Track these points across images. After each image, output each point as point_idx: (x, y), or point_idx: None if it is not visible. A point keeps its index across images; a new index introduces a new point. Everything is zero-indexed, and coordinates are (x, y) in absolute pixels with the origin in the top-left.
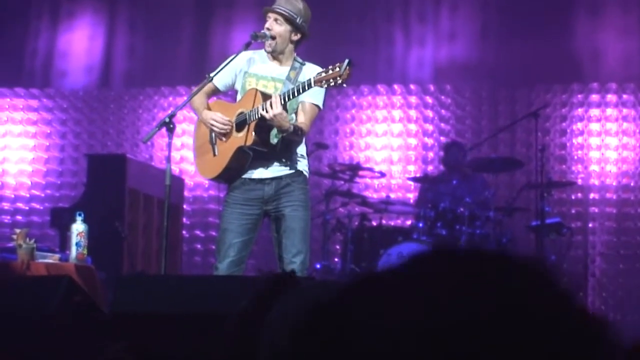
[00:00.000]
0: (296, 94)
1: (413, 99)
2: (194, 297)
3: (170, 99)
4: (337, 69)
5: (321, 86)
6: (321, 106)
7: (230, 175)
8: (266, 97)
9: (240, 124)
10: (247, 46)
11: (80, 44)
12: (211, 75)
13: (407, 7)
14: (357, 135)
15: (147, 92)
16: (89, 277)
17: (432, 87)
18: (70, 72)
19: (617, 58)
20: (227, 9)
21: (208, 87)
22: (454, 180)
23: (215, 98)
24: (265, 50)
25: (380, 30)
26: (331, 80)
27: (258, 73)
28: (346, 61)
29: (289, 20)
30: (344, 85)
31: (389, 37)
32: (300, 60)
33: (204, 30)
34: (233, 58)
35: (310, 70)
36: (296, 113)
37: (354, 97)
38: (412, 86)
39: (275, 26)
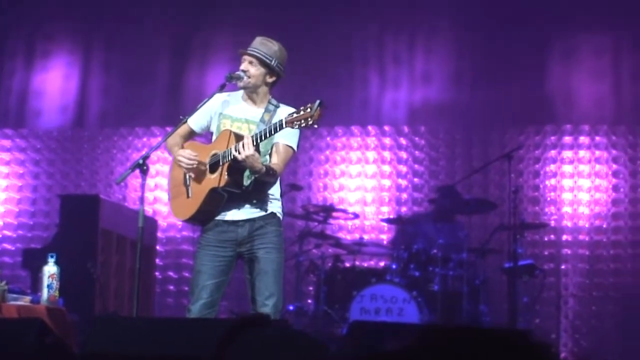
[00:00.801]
0: (268, 135)
1: (387, 141)
2: (165, 339)
3: (145, 139)
4: (309, 109)
5: (292, 127)
6: (295, 148)
7: (204, 217)
8: (239, 138)
9: (214, 165)
10: (222, 88)
11: (55, 83)
12: (186, 117)
13: (382, 49)
14: (330, 176)
15: (121, 132)
16: (61, 319)
17: (406, 129)
18: (45, 111)
19: (590, 100)
20: (202, 50)
21: (183, 129)
22: (439, 223)
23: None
24: (239, 87)
25: (356, 71)
26: (302, 121)
27: (232, 115)
28: (317, 102)
29: (263, 62)
30: (315, 126)
31: (364, 78)
32: (275, 102)
33: (179, 71)
34: (208, 100)
35: (284, 112)
36: (270, 155)
37: (328, 139)
38: (386, 127)
39: (251, 68)
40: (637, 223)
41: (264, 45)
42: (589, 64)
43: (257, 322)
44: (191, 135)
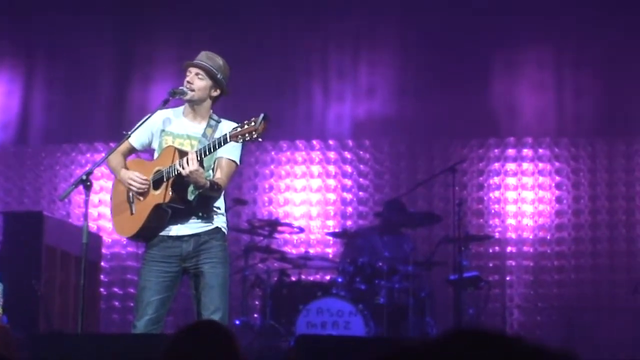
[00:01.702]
0: (212, 150)
1: (332, 155)
2: (110, 355)
3: (88, 155)
4: (253, 123)
5: (237, 141)
6: (238, 162)
7: (148, 233)
8: (183, 154)
9: (158, 182)
10: (165, 103)
11: None
12: (128, 133)
13: (326, 63)
14: (275, 190)
15: (65, 148)
16: (4, 337)
17: (350, 143)
18: None
19: (533, 113)
20: (145, 66)
21: (124, 147)
22: (385, 236)
23: (134, 156)
24: (184, 100)
25: (300, 85)
26: (247, 135)
27: (174, 131)
28: (261, 115)
29: (210, 74)
30: (260, 139)
31: (307, 92)
32: (216, 118)
33: (122, 87)
34: (149, 117)
35: (227, 127)
36: (213, 169)
37: (272, 153)
38: (330, 142)
39: (197, 80)
40: (581, 234)
41: (210, 59)
42: (531, 78)
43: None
44: (132, 152)
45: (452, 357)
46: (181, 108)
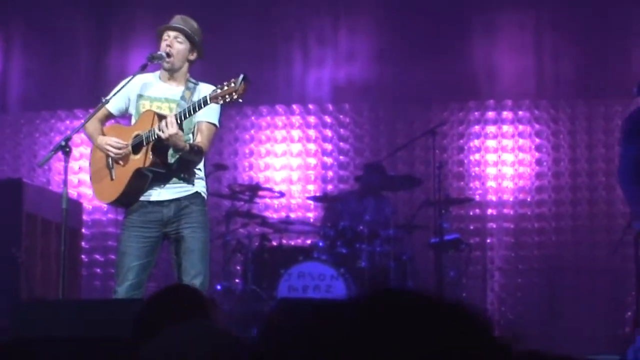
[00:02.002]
0: (192, 112)
1: (312, 119)
2: (92, 321)
3: (68, 122)
4: (232, 84)
5: (217, 103)
6: (217, 124)
7: (129, 198)
8: (162, 118)
9: (137, 146)
10: (144, 68)
11: None
12: (105, 99)
13: (305, 28)
14: (256, 155)
15: (44, 115)
16: None
17: (330, 107)
18: None
19: (512, 75)
20: (123, 32)
21: (101, 113)
22: (365, 200)
23: (112, 122)
24: (164, 69)
25: (279, 50)
26: (227, 97)
27: (152, 95)
28: (241, 76)
29: (188, 37)
30: (240, 100)
31: (287, 57)
32: (194, 81)
33: (101, 53)
34: (126, 83)
35: (205, 89)
36: (193, 133)
37: (252, 118)
38: (310, 106)
39: (176, 44)
40: (561, 196)
41: (186, 22)
42: (510, 40)
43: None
44: (109, 118)
45: (368, 320)
46: (158, 73)
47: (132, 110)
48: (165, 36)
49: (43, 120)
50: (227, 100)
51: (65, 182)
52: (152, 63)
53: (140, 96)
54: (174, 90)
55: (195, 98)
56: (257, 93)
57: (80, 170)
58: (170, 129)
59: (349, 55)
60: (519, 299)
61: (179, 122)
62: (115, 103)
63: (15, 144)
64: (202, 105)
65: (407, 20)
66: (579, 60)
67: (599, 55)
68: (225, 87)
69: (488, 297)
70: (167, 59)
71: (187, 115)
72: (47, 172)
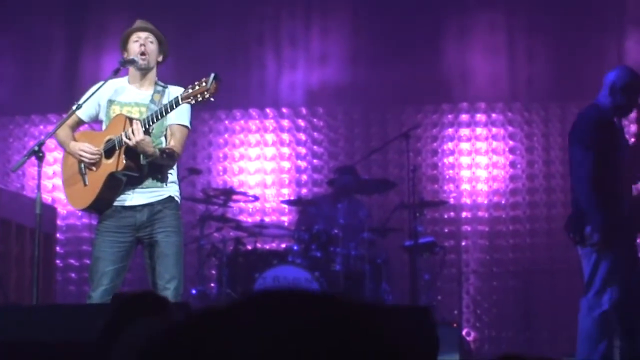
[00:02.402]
0: (163, 114)
1: (285, 123)
2: (66, 326)
3: (41, 127)
4: (204, 83)
5: (189, 103)
6: (189, 126)
7: (103, 203)
8: (133, 122)
9: (110, 151)
10: (117, 72)
11: None
12: (77, 103)
13: (277, 30)
14: (230, 159)
15: (17, 120)
16: None
17: (304, 110)
18: None
19: (486, 78)
20: (97, 35)
21: (72, 120)
22: (339, 204)
23: (81, 129)
24: (140, 68)
25: (252, 54)
26: (199, 96)
27: (122, 100)
28: (212, 75)
29: (158, 38)
30: (212, 99)
31: (260, 61)
32: (162, 84)
33: (74, 57)
34: (99, 87)
35: (175, 91)
36: (165, 137)
37: (226, 122)
38: (284, 110)
39: (149, 45)
40: (535, 198)
41: (151, 25)
42: (484, 41)
43: (148, 301)
44: (80, 124)
45: (243, 323)
46: (126, 77)
47: (102, 116)
48: (135, 37)
49: (16, 125)
50: (199, 99)
51: (38, 187)
52: (124, 67)
53: (110, 101)
54: (143, 94)
55: (165, 100)
56: (231, 97)
57: (54, 175)
58: (136, 135)
59: (322, 58)
60: (494, 301)
61: (146, 127)
62: (85, 109)
63: None
64: (174, 106)
65: (380, 22)
66: (552, 62)
67: (572, 56)
68: (197, 87)
69: (463, 300)
70: (143, 57)
71: (158, 118)
72: (21, 178)
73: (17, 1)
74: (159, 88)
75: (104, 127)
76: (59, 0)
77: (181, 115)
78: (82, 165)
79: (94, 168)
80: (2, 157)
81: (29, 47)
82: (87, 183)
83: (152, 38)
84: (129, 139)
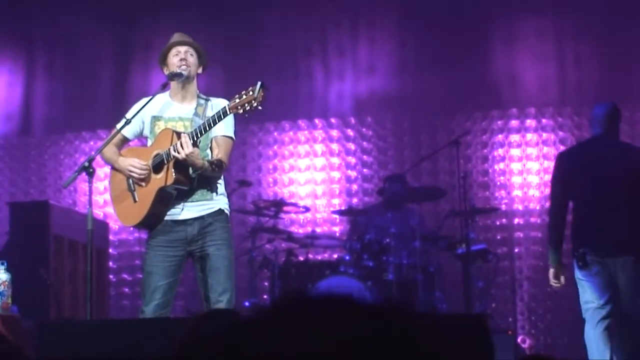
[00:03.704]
0: (211, 126)
1: (334, 133)
2: (121, 341)
3: (92, 143)
4: (251, 92)
5: (237, 112)
6: (234, 137)
7: (153, 219)
8: (181, 135)
9: (158, 166)
10: (164, 86)
11: None
12: (127, 118)
13: (325, 41)
14: (280, 171)
15: (68, 137)
16: (15, 327)
17: (353, 120)
18: None
19: (535, 83)
20: (144, 51)
21: (117, 138)
22: (389, 212)
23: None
24: (182, 80)
25: (300, 65)
26: (247, 105)
27: (166, 116)
28: (258, 84)
29: (197, 51)
30: (260, 107)
31: (308, 71)
32: (204, 96)
33: (123, 73)
34: (144, 105)
35: (218, 103)
36: (211, 149)
37: (275, 134)
38: (333, 120)
39: (190, 58)
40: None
41: (189, 37)
42: (532, 47)
43: (212, 316)
44: (125, 142)
45: (284, 326)
46: (167, 93)
47: (147, 133)
48: (174, 52)
49: (67, 141)
50: (247, 108)
51: (89, 202)
52: (172, 81)
53: (154, 117)
54: (186, 108)
55: (209, 113)
56: (279, 108)
57: (105, 191)
58: (185, 149)
59: (370, 67)
60: (549, 308)
61: (194, 139)
62: (129, 127)
63: (41, 166)
64: (222, 117)
65: (428, 30)
66: (601, 65)
67: (622, 59)
68: (244, 96)
69: (517, 307)
70: (184, 68)
71: (206, 130)
72: (73, 194)
73: (66, 19)
74: (202, 101)
75: (149, 143)
76: (107, 18)
77: (226, 127)
78: (131, 182)
79: (143, 184)
80: (54, 174)
81: (78, 64)
82: (136, 199)
83: (191, 51)
84: (178, 152)
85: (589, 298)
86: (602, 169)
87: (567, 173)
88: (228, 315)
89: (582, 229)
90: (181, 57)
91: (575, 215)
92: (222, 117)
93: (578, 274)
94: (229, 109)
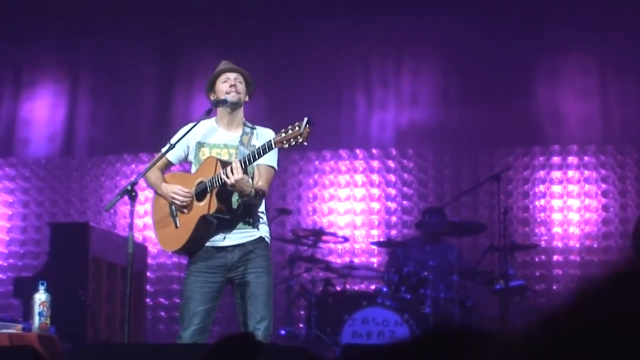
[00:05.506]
0: (257, 157)
1: (375, 163)
2: None
3: (133, 166)
4: (297, 128)
5: (282, 147)
6: (276, 167)
7: (194, 245)
8: (225, 164)
9: (201, 193)
10: (209, 112)
11: (42, 112)
12: (171, 143)
13: (368, 71)
14: (319, 200)
15: (110, 159)
16: (52, 347)
17: (394, 151)
18: (33, 140)
19: (578, 120)
20: (187, 75)
21: (161, 162)
22: (428, 245)
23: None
24: (230, 106)
25: (342, 94)
26: (292, 140)
27: (211, 142)
28: (305, 119)
29: (246, 80)
30: (305, 143)
31: (350, 101)
32: (250, 125)
33: (165, 97)
34: (191, 128)
35: (263, 133)
36: (252, 177)
37: (316, 162)
38: (374, 150)
39: (239, 85)
40: (628, 243)
41: (236, 65)
42: (576, 84)
43: (244, 343)
44: (169, 166)
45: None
46: (213, 119)
47: (191, 158)
48: (223, 78)
49: (109, 164)
50: (292, 143)
51: (131, 226)
52: (217, 107)
53: (199, 143)
54: (232, 135)
55: (254, 142)
56: (321, 137)
57: (145, 214)
58: (236, 174)
59: (412, 98)
60: None
61: (243, 167)
62: (174, 151)
63: (82, 188)
64: (267, 150)
65: (471, 63)
66: None
67: None
68: (290, 131)
69: None
70: (233, 95)
71: (252, 160)
72: (112, 216)
73: (110, 41)
74: (247, 129)
75: (193, 169)
76: (150, 41)
77: (269, 156)
78: (173, 208)
79: (185, 210)
80: (95, 196)
81: (121, 86)
82: (178, 225)
83: (240, 78)
84: (228, 177)
85: None
86: None
87: None
88: (244, 341)
89: None
90: (231, 83)
91: None
92: (267, 150)
93: None
94: (274, 142)
